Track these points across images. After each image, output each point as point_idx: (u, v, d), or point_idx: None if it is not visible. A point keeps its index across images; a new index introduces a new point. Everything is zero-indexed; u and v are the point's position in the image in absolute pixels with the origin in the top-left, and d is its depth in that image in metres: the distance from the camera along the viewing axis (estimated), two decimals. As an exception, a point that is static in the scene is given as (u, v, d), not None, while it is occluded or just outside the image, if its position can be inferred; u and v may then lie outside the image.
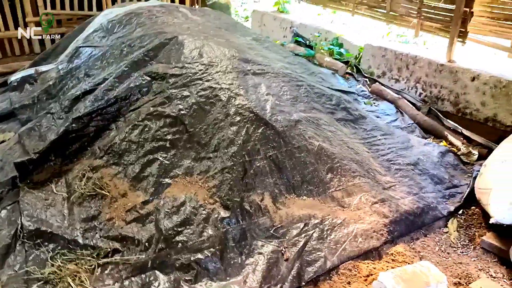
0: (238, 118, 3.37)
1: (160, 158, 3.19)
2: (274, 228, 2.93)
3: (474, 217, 3.39)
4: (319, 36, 6.18)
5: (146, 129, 3.33)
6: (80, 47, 4.64)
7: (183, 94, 3.50)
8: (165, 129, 3.33)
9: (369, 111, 4.74)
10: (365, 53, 5.54)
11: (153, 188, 3.06)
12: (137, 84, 3.59)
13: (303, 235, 2.90)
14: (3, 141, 4.04)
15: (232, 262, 2.71)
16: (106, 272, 2.63)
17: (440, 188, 3.62)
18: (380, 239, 2.97)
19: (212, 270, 2.64)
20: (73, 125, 3.37)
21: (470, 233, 3.25)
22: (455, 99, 4.64)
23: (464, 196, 3.52)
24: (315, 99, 4.01)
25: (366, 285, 2.65)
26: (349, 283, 2.69)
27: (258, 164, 3.19)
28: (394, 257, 2.92)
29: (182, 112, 3.39)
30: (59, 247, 2.77)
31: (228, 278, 2.63)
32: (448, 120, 4.59)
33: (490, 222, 2.89)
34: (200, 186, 3.07)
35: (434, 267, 2.64)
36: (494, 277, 2.83)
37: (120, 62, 3.95)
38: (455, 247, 3.12)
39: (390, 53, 5.19)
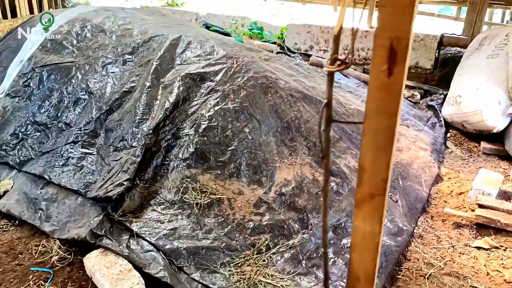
0: (292, 99, 3.64)
1: (252, 151, 3.26)
2: (370, 180, 3.41)
3: (457, 136, 4.50)
4: (235, 23, 6.51)
5: (219, 129, 3.30)
6: (37, 67, 3.97)
7: (233, 89, 3.54)
8: (238, 124, 3.37)
9: (324, 79, 5.44)
10: (289, 32, 6.18)
11: (265, 178, 3.16)
12: (181, 89, 3.44)
13: (393, 179, 3.47)
14: (5, 192, 3.33)
15: (367, 215, 3.11)
16: (282, 260, 2.72)
17: (424, 122, 4.63)
18: (436, 166, 3.77)
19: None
20: (147, 141, 3.10)
21: (465, 147, 4.33)
22: (382, 57, 5.73)
23: (443, 124, 4.60)
24: (314, 74, 4.50)
25: (457, 198, 3.41)
26: (445, 201, 3.41)
27: (330, 134, 3.57)
28: (448, 176, 3.76)
29: (244, 104, 3.46)
30: (218, 258, 2.70)
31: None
32: (383, 74, 5.65)
33: (494, 131, 3.98)
34: (301, 164, 3.30)
35: (491, 171, 3.58)
36: (506, 169, 3.94)
37: (134, 72, 3.66)
38: (466, 159, 4.15)
39: (315, 28, 5.96)
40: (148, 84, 3.50)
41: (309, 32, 6.03)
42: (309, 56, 6.02)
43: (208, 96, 3.48)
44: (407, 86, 5.52)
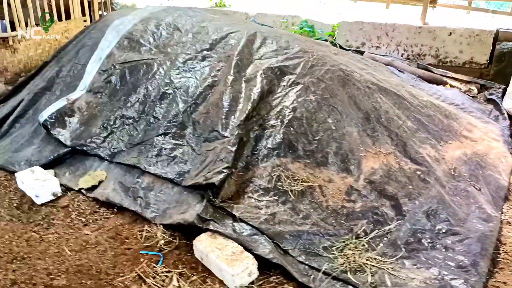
0: (369, 91, 3.74)
1: (337, 140, 3.36)
2: (451, 170, 3.48)
3: (521, 128, 4.55)
4: (285, 21, 6.64)
5: (304, 119, 3.41)
6: (117, 64, 4.13)
7: (312, 81, 3.65)
8: (321, 114, 3.47)
9: (380, 75, 5.52)
10: (341, 29, 6.27)
11: (353, 166, 3.25)
12: (264, 82, 3.57)
13: (472, 168, 3.53)
14: (100, 182, 3.49)
15: (456, 202, 3.17)
16: (382, 244, 2.80)
17: (487, 115, 4.67)
18: (510, 156, 3.82)
19: (452, 213, 3.07)
20: (239, 132, 3.23)
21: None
22: (435, 53, 5.79)
23: (506, 116, 4.64)
24: (380, 68, 4.60)
25: (538, 185, 3.47)
26: (526, 188, 3.47)
27: (408, 125, 3.66)
28: (522, 166, 3.81)
29: (325, 96, 3.57)
30: (319, 242, 2.80)
31: (466, 213, 3.09)
32: (438, 69, 5.71)
33: None
34: (385, 154, 3.39)
35: None
36: None
37: (214, 67, 3.79)
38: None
39: (368, 25, 6.04)
40: (231, 78, 3.63)
41: (361, 29, 6.12)
42: (361, 52, 6.09)
43: (290, 88, 3.59)
44: (463, 81, 5.56)
